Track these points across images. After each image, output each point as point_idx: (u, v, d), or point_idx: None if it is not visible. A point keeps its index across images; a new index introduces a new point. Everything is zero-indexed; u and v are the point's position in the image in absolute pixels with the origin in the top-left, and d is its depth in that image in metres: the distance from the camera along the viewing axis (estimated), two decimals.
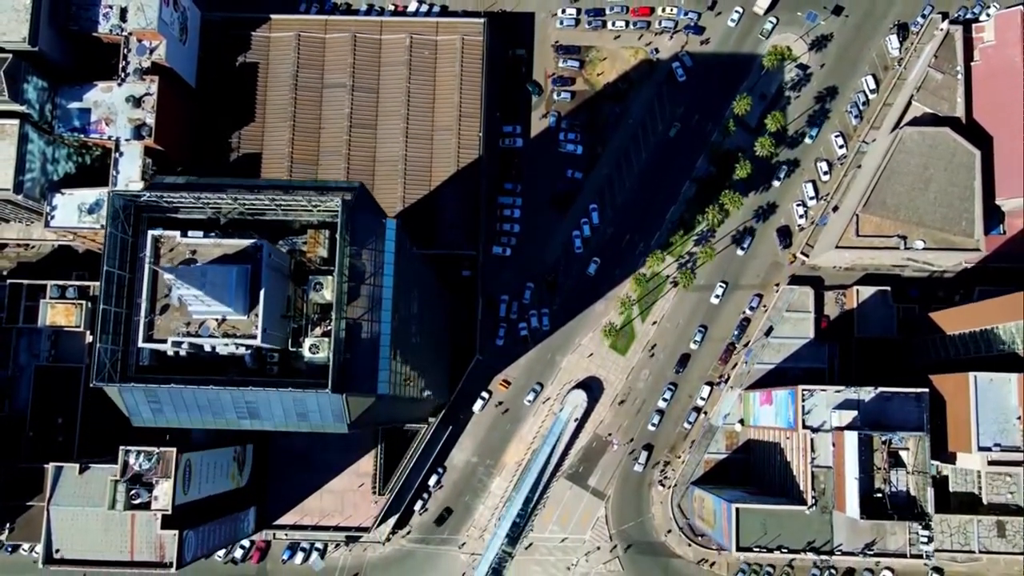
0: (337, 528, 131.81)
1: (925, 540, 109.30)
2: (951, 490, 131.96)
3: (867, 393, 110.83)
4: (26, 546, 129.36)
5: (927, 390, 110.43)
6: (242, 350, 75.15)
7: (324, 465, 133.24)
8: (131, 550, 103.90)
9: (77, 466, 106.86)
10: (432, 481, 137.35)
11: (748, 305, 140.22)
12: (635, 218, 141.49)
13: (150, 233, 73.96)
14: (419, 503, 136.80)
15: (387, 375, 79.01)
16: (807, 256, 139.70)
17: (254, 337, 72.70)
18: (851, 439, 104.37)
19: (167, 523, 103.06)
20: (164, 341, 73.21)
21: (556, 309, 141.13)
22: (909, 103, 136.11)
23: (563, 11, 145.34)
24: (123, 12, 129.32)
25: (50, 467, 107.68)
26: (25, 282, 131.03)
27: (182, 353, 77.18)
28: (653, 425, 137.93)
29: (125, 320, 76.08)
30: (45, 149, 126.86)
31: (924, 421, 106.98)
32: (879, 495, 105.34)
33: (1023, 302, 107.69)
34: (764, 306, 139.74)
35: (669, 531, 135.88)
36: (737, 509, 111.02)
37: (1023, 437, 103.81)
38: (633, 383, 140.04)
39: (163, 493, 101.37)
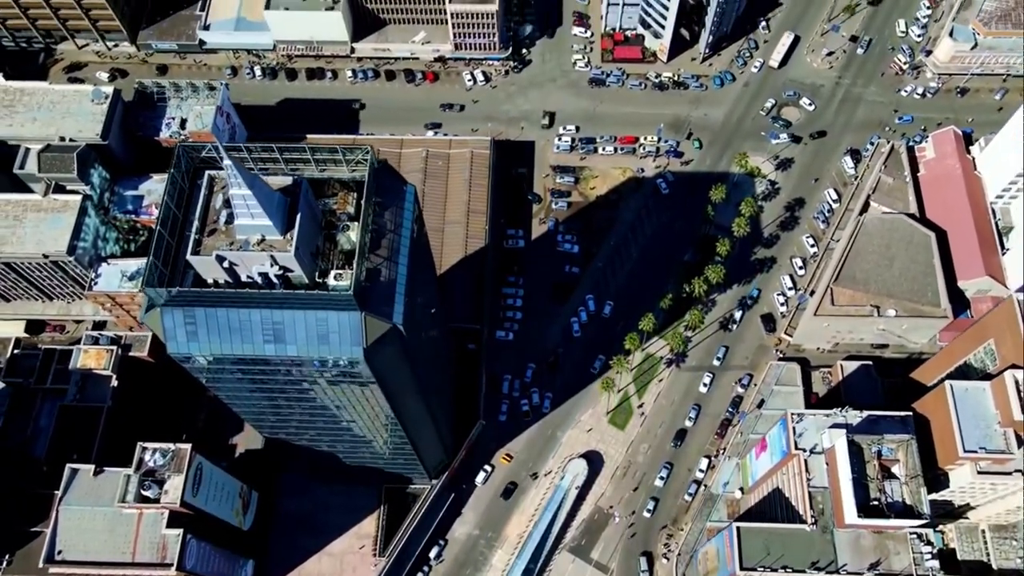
0: None
1: (929, 555, 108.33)
2: (960, 558, 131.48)
3: (855, 417, 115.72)
4: None
5: (911, 413, 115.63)
6: (275, 269, 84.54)
7: (326, 527, 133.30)
8: (133, 551, 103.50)
9: (92, 467, 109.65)
10: (433, 554, 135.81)
11: (739, 384, 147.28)
12: (629, 304, 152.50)
13: (207, 173, 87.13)
14: None
15: (402, 308, 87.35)
16: (791, 336, 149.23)
17: (288, 252, 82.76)
18: (841, 444, 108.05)
19: (173, 522, 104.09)
20: (210, 254, 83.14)
21: (557, 387, 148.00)
22: (867, 203, 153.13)
23: (559, 139, 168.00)
24: (183, 122, 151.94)
25: (66, 469, 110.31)
26: (59, 347, 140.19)
27: (220, 281, 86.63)
28: (649, 512, 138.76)
29: (175, 250, 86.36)
30: (99, 227, 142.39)
31: (910, 430, 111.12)
32: (875, 503, 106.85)
33: (981, 328, 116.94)
34: (755, 384, 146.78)
35: None
36: (739, 528, 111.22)
37: (1006, 440, 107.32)
38: (633, 456, 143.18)
39: (173, 488, 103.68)
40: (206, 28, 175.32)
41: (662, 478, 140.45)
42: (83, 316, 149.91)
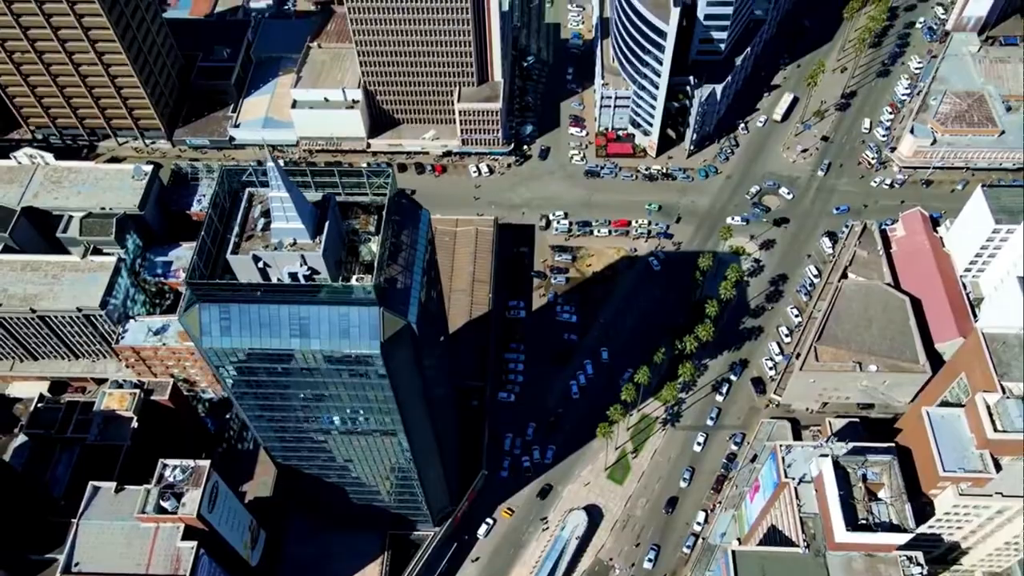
0: None
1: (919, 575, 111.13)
2: None
3: (841, 449, 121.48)
4: None
5: (894, 444, 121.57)
6: (304, 269, 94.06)
7: (331, 573, 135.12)
8: (148, 564, 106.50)
9: (114, 484, 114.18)
10: None
11: (732, 441, 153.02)
12: (626, 365, 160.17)
13: (247, 189, 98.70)
14: None
15: (416, 310, 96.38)
16: (780, 397, 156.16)
17: (316, 253, 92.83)
18: (827, 467, 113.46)
19: (188, 535, 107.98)
20: (247, 255, 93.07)
21: (557, 446, 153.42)
22: (845, 273, 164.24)
23: (558, 222, 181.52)
24: None
25: (88, 486, 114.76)
26: (81, 399, 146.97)
27: (253, 282, 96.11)
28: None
29: (215, 256, 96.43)
30: (129, 288, 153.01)
31: (892, 454, 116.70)
32: (863, 522, 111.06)
33: (952, 364, 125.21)
34: (748, 441, 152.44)
35: None
36: (734, 552, 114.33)
37: (983, 462, 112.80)
38: (631, 510, 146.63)
39: (191, 500, 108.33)
40: (236, 126, 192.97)
41: (650, 560, 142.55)
42: (106, 375, 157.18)
